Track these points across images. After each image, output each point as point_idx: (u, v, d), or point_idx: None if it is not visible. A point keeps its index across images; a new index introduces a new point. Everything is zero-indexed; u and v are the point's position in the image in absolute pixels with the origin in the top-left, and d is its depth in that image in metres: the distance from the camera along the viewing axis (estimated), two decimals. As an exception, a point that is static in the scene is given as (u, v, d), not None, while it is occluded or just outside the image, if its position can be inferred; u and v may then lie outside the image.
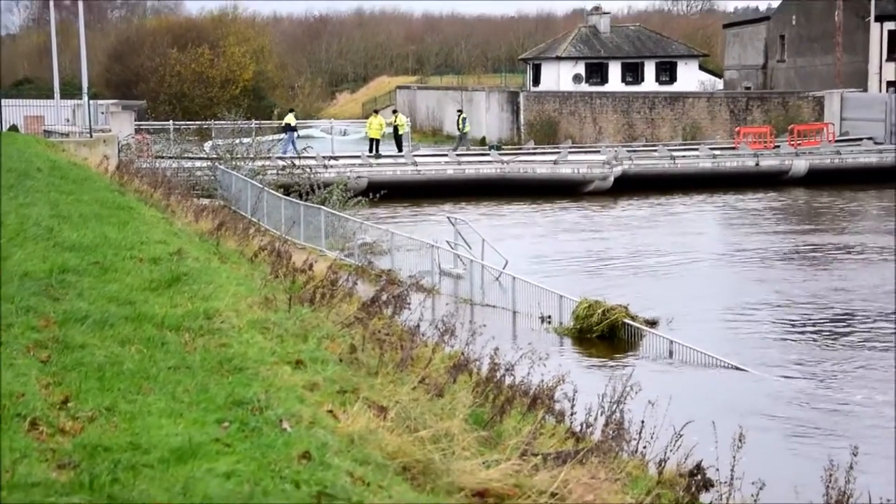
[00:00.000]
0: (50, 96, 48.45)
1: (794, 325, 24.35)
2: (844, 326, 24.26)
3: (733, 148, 54.65)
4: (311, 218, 32.04)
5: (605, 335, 22.39)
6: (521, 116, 72.29)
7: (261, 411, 6.57)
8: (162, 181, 24.49)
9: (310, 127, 71.12)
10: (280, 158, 44.81)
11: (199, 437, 6.00)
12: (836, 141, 56.14)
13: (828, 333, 23.65)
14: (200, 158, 44.17)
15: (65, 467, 5.49)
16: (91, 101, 43.47)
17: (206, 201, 27.77)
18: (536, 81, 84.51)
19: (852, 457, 9.35)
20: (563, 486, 6.71)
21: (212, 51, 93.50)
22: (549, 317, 23.75)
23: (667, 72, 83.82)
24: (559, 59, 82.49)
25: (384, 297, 11.22)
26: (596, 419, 9.55)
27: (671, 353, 21.34)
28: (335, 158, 49.52)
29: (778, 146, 54.44)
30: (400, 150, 54.25)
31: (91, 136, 36.43)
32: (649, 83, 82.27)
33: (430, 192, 46.56)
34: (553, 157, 51.24)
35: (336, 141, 59.78)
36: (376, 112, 59.48)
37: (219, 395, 6.86)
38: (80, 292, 9.29)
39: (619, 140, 63.87)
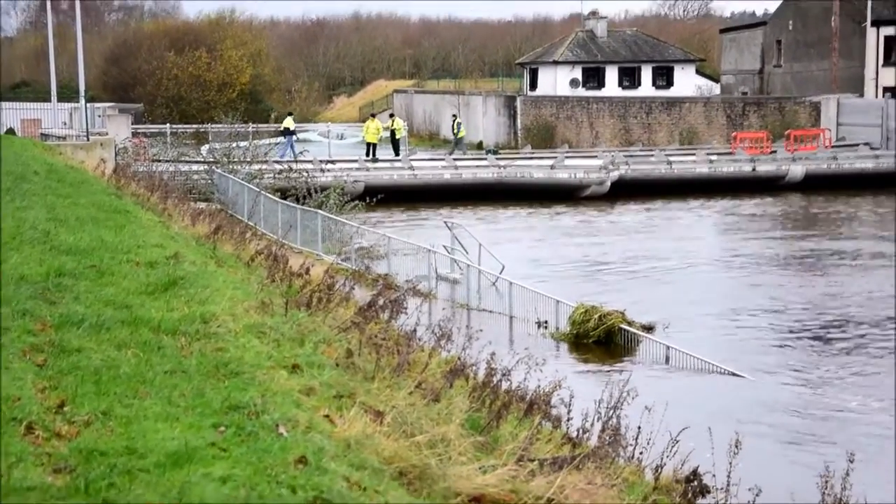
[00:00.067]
0: (47, 99, 48.49)
1: (790, 331, 24.35)
2: (840, 332, 24.27)
3: (730, 153, 54.70)
4: (308, 222, 32.03)
5: (602, 340, 22.39)
6: (518, 121, 72.35)
7: (257, 416, 6.56)
8: (159, 185, 24.48)
9: (307, 131, 71.14)
10: (277, 162, 44.81)
11: (196, 442, 5.99)
12: (833, 146, 56.19)
13: (824, 339, 23.66)
14: (197, 162, 44.14)
15: (61, 471, 5.49)
16: (88, 105, 43.51)
17: (202, 205, 27.76)
18: (533, 86, 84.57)
19: (848, 463, 9.36)
20: (560, 491, 6.71)
21: (209, 54, 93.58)
22: (546, 322, 23.76)
23: (663, 76, 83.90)
24: (556, 63, 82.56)
25: (381, 302, 11.21)
26: (592, 425, 9.55)
27: (668, 359, 21.35)
28: (332, 162, 49.51)
29: (774, 151, 54.48)
30: (397, 154, 54.26)
31: (88, 140, 36.44)
32: (646, 88, 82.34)
33: (426, 197, 46.57)
34: (550, 162, 51.24)
35: (333, 145, 59.82)
36: (373, 116, 59.48)
37: (215, 399, 6.86)
38: (77, 296, 9.28)
39: (615, 145, 63.93)
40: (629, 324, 22.70)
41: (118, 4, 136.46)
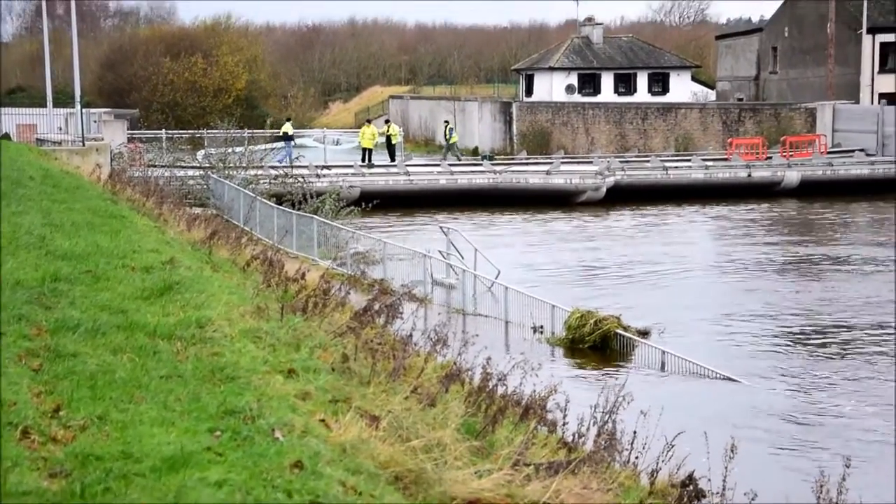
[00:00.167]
0: (42, 105, 48.38)
1: (785, 336, 24.37)
2: (835, 337, 24.30)
3: (725, 159, 54.77)
4: (304, 227, 32.03)
5: (598, 345, 22.39)
6: (514, 127, 72.35)
7: (253, 420, 6.56)
8: (154, 190, 24.48)
9: (303, 136, 71.13)
10: (273, 167, 44.79)
11: (191, 446, 5.99)
12: (829, 152, 56.28)
13: (818, 344, 23.68)
14: (193, 167, 44.13)
15: (56, 476, 5.49)
16: (84, 110, 43.43)
17: (198, 210, 27.77)
18: (529, 92, 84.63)
19: (844, 468, 9.36)
20: (555, 496, 6.72)
21: (205, 60, 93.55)
22: (542, 327, 23.75)
23: (659, 83, 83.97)
24: (552, 69, 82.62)
25: (376, 307, 11.21)
26: (588, 429, 9.54)
27: (663, 364, 21.36)
28: (328, 168, 49.54)
29: (770, 157, 54.56)
30: (392, 159, 54.26)
31: (83, 145, 36.40)
32: (642, 94, 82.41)
33: (422, 202, 46.59)
34: (545, 168, 51.29)
35: (328, 150, 59.80)
36: (369, 122, 59.54)
37: (211, 404, 6.86)
38: (73, 301, 9.28)
39: (611, 151, 63.96)
40: (625, 329, 22.71)
41: (114, 10, 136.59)
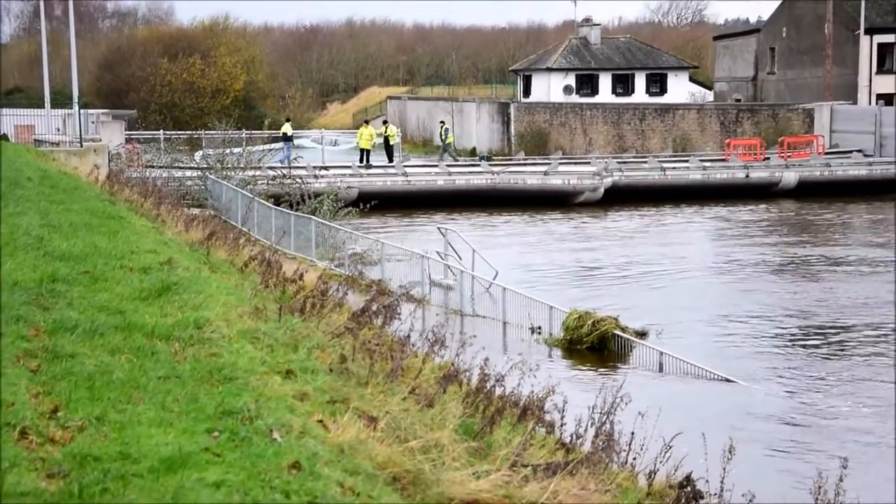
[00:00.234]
0: (40, 105, 48.35)
1: (782, 337, 24.38)
2: (832, 338, 24.31)
3: (723, 160, 54.78)
4: (302, 228, 32.03)
5: (595, 346, 22.39)
6: (512, 127, 72.38)
7: (251, 421, 6.56)
8: (152, 191, 24.46)
9: (301, 137, 71.16)
10: (271, 168, 44.78)
11: (189, 447, 5.99)
12: (826, 153, 56.30)
13: (816, 345, 23.69)
14: (191, 168, 44.13)
15: (54, 476, 5.49)
16: (81, 111, 43.41)
17: (196, 211, 27.75)
18: (527, 92, 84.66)
19: (842, 469, 9.37)
20: (553, 497, 6.72)
21: (203, 61, 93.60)
22: (539, 328, 23.75)
23: (657, 83, 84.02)
24: (550, 70, 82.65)
25: (374, 308, 11.21)
26: (586, 430, 9.54)
27: (661, 365, 21.35)
28: (326, 169, 49.53)
29: (768, 158, 54.56)
30: (390, 160, 54.26)
31: (81, 146, 36.40)
32: (640, 95, 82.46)
33: (420, 203, 46.59)
34: (543, 169, 51.30)
35: (326, 151, 59.78)
36: (367, 122, 59.51)
37: (209, 404, 6.86)
38: (70, 301, 9.28)
39: (609, 151, 63.99)
40: (622, 330, 22.71)
41: (112, 11, 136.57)
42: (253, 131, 57.31)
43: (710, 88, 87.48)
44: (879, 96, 65.77)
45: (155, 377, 7.39)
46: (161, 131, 57.03)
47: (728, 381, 20.29)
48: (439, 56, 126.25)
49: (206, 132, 52.17)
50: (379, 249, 29.69)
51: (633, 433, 9.84)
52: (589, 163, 53.64)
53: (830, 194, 50.23)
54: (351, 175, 48.46)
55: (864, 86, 66.63)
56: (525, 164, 54.92)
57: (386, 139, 55.54)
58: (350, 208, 35.59)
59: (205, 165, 43.44)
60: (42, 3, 55.60)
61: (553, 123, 70.93)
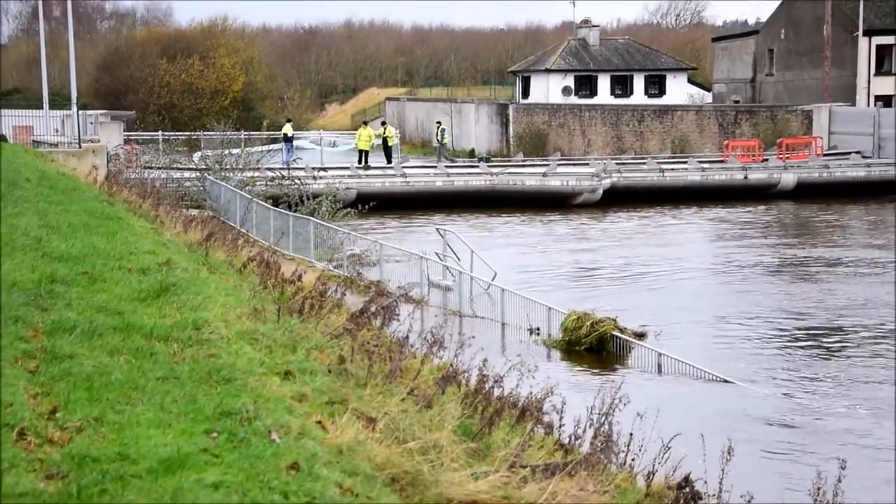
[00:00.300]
0: (39, 106, 48.31)
1: (780, 338, 24.39)
2: (831, 340, 24.32)
3: (722, 161, 54.81)
4: (300, 229, 32.02)
5: (594, 347, 22.39)
6: (511, 128, 72.37)
7: (249, 422, 6.56)
8: (151, 192, 24.45)
9: (299, 138, 71.19)
10: (269, 169, 44.79)
11: (188, 448, 5.99)
12: (825, 155, 56.34)
13: (814, 346, 23.70)
14: (189, 169, 44.15)
15: (53, 478, 5.48)
16: (80, 112, 43.40)
17: (194, 212, 27.75)
18: (526, 94, 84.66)
19: (840, 470, 9.37)
20: (552, 498, 6.72)
21: (201, 62, 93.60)
22: (538, 329, 23.75)
23: (656, 85, 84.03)
24: (548, 71, 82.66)
25: (373, 309, 11.20)
26: (584, 431, 9.54)
27: (659, 366, 21.36)
28: (324, 170, 49.54)
29: (766, 160, 54.59)
30: (389, 161, 54.29)
31: (80, 147, 36.39)
32: (638, 96, 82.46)
33: (419, 204, 46.60)
34: (542, 170, 51.32)
35: (325, 152, 59.78)
36: (365, 124, 59.54)
37: (207, 405, 6.86)
38: (69, 302, 9.27)
39: (608, 153, 64.00)
40: (621, 331, 22.70)
41: (110, 11, 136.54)
42: (251, 132, 57.31)
43: (708, 90, 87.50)
44: (878, 98, 65.80)
45: (153, 378, 7.39)
46: (160, 132, 57.05)
47: (726, 382, 20.29)
48: (438, 57, 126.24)
49: (205, 133, 52.21)
50: (377, 250, 29.69)
51: (631, 434, 9.83)
52: (588, 164, 53.67)
53: (829, 196, 50.26)
54: (349, 176, 48.48)
55: (863, 87, 66.66)
56: (524, 166, 54.95)
57: (384, 140, 55.56)
58: (349, 209, 35.58)
59: (203, 166, 43.46)
60: (41, 4, 55.58)
61: (552, 125, 70.93)
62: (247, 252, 18.14)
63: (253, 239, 28.70)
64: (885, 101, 64.58)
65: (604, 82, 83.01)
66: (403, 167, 51.77)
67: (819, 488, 9.21)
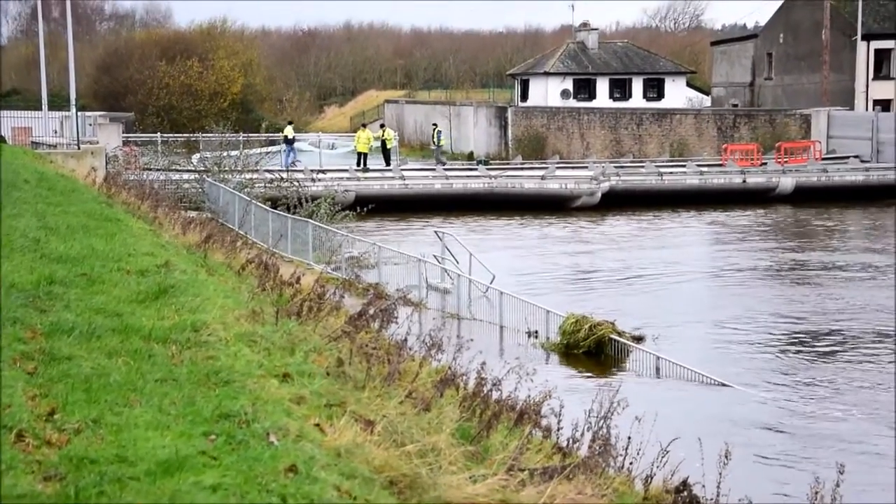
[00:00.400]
0: (38, 108, 48.36)
1: (779, 342, 24.39)
2: (829, 343, 24.33)
3: (721, 165, 54.83)
4: (299, 231, 32.03)
5: (592, 351, 22.39)
6: (509, 131, 72.40)
7: (248, 424, 6.55)
8: (149, 193, 24.45)
9: (298, 140, 71.21)
10: (268, 171, 44.79)
11: (186, 450, 5.99)
12: (823, 159, 56.36)
13: (812, 350, 23.71)
14: (188, 171, 44.15)
15: (51, 479, 5.48)
16: (79, 113, 43.44)
17: (193, 214, 27.72)
18: (524, 97, 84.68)
19: (838, 474, 9.37)
20: (550, 501, 6.72)
21: (200, 63, 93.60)
22: (536, 332, 23.76)
23: (654, 88, 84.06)
24: (547, 74, 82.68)
25: (371, 311, 11.20)
26: (583, 435, 9.54)
27: (658, 369, 21.37)
28: (323, 172, 49.56)
29: (765, 163, 54.62)
30: (388, 164, 54.30)
31: (79, 148, 36.40)
32: (637, 99, 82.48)
33: (417, 207, 46.60)
34: (541, 173, 51.34)
35: (324, 154, 59.80)
36: (364, 126, 59.52)
37: (206, 407, 6.85)
38: (67, 304, 9.27)
39: (606, 156, 64.01)
40: (619, 334, 22.71)
41: (110, 13, 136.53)
42: (250, 134, 57.32)
43: (707, 94, 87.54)
44: (876, 102, 65.84)
45: (152, 380, 7.38)
46: (158, 134, 57.12)
47: (724, 385, 20.30)
48: (437, 60, 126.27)
49: (204, 135, 52.21)
50: (376, 253, 29.70)
51: (629, 438, 9.83)
52: (586, 167, 53.68)
53: (827, 200, 50.29)
54: (348, 178, 48.49)
55: (861, 91, 66.71)
56: (522, 169, 54.96)
57: (383, 143, 55.58)
58: (347, 212, 35.58)
59: (202, 168, 43.44)
60: (39, 5, 55.63)
61: (550, 128, 70.95)
62: (245, 254, 18.13)
63: (251, 241, 28.71)
64: (883, 105, 64.63)
65: (602, 86, 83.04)
66: (402, 170, 51.78)
67: (817, 492, 9.21)
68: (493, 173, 51.38)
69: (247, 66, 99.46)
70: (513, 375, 10.13)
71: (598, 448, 8.83)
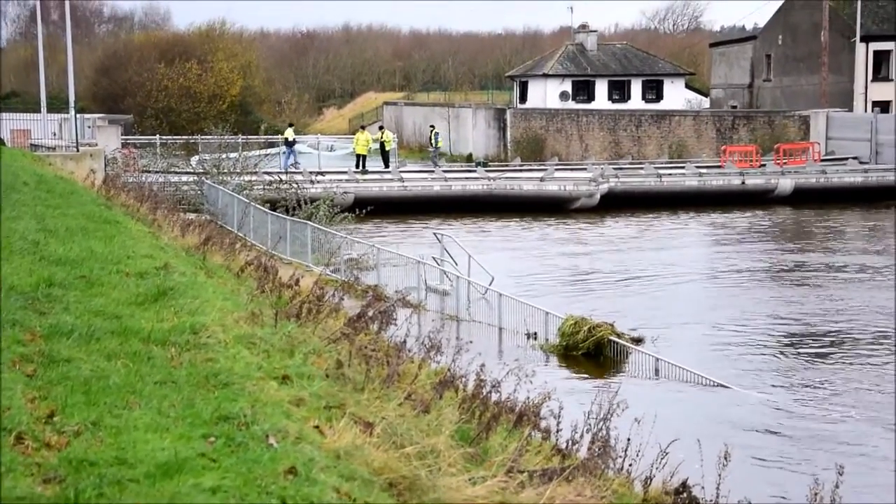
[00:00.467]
0: (36, 110, 48.37)
1: (778, 343, 24.39)
2: (828, 345, 24.33)
3: (719, 166, 54.84)
4: (298, 233, 32.03)
5: (592, 352, 22.38)
6: (508, 133, 72.44)
7: (247, 426, 6.55)
8: (148, 195, 24.46)
9: (297, 142, 71.23)
10: (267, 173, 44.81)
11: (185, 452, 5.98)
12: (822, 160, 56.37)
13: (811, 351, 23.70)
14: (187, 173, 44.15)
15: (50, 482, 5.48)
16: (78, 115, 43.44)
17: (192, 216, 27.73)
18: (523, 98, 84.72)
19: (837, 476, 9.37)
20: (549, 503, 6.72)
21: (199, 66, 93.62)
22: (536, 334, 23.76)
23: (653, 90, 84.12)
24: (546, 76, 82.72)
25: (370, 313, 11.20)
26: (582, 436, 9.54)
27: (657, 371, 21.37)
28: (322, 174, 49.57)
29: (764, 165, 54.64)
30: (387, 166, 54.33)
31: (78, 150, 36.41)
32: (636, 101, 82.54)
33: (416, 209, 46.61)
34: (539, 174, 51.34)
35: (323, 156, 59.84)
36: (363, 128, 59.56)
37: (205, 410, 6.85)
38: (67, 306, 9.26)
39: (605, 157, 64.05)
40: (618, 336, 22.71)
41: (109, 15, 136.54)
42: (249, 136, 57.34)
43: (706, 95, 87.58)
44: (875, 104, 65.87)
45: (151, 382, 7.37)
46: (157, 136, 57.12)
47: (723, 387, 20.30)
48: (436, 62, 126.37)
49: (203, 137, 52.22)
50: (375, 255, 29.69)
51: (629, 439, 9.84)
52: (585, 169, 53.69)
53: (826, 201, 50.31)
54: (347, 180, 48.49)
55: (860, 93, 66.73)
56: (521, 170, 54.98)
57: (382, 145, 55.61)
58: (346, 214, 35.59)
59: (201, 170, 43.45)
60: (39, 8, 55.64)
61: (549, 129, 70.97)
62: (244, 256, 18.14)
63: (250, 243, 28.72)
64: (882, 106, 64.65)
65: (601, 87, 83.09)
66: (401, 172, 51.79)
67: (816, 494, 9.21)
68: (491, 175, 51.39)
69: (245, 69, 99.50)
70: (512, 377, 10.13)
71: (597, 450, 8.83)
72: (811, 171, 53.68)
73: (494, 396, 9.79)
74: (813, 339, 24.82)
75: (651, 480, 9.49)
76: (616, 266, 35.20)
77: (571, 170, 54.58)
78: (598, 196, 49.16)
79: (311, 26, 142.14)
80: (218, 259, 16.24)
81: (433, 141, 60.21)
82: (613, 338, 22.54)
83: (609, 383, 19.54)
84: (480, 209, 47.56)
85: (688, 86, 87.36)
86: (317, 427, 7.00)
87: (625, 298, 29.48)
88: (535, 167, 56.24)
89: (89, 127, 51.38)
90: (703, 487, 9.30)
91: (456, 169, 56.43)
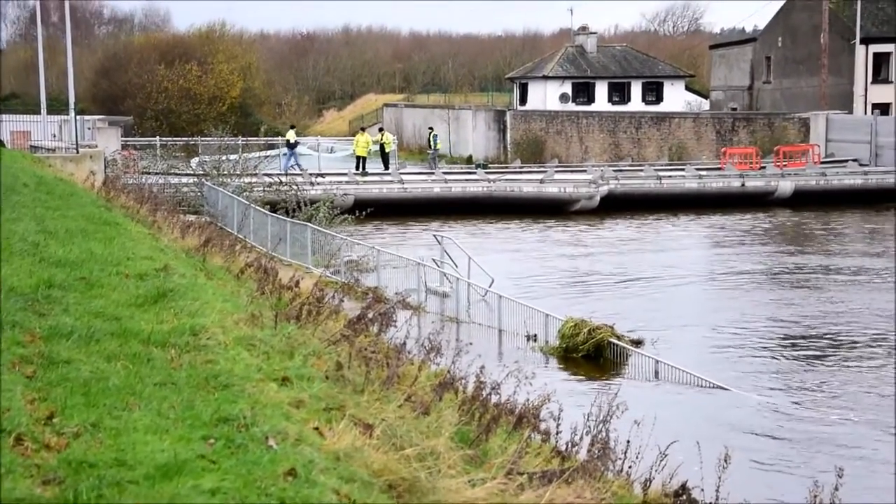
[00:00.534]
0: (36, 112, 48.40)
1: (777, 345, 24.39)
2: (826, 347, 24.31)
3: (719, 168, 54.84)
4: (298, 235, 32.03)
5: (591, 355, 22.38)
6: (508, 135, 72.45)
7: (246, 428, 6.55)
8: (148, 197, 24.46)
9: (298, 144, 71.27)
10: (267, 175, 44.80)
11: (185, 454, 5.98)
12: (822, 162, 56.37)
13: (810, 354, 23.70)
14: (187, 175, 44.16)
15: (50, 483, 5.47)
16: (78, 117, 43.45)
17: (192, 218, 27.73)
18: (523, 100, 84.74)
19: (837, 478, 9.37)
20: (549, 504, 6.71)
21: (199, 67, 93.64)
22: (535, 336, 23.76)
23: (653, 92, 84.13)
24: (546, 78, 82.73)
25: (370, 315, 11.19)
26: (581, 438, 9.54)
27: (656, 373, 21.36)
28: (322, 176, 49.56)
29: (764, 167, 54.64)
30: (387, 167, 54.33)
31: (77, 152, 36.39)
32: (636, 103, 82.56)
33: (416, 210, 46.61)
34: (539, 176, 51.34)
35: (323, 158, 59.82)
36: (363, 130, 59.57)
37: (205, 411, 6.85)
38: (66, 308, 9.26)
39: (605, 159, 64.05)
40: (618, 338, 22.70)
41: (108, 17, 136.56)
42: (249, 138, 57.35)
43: (706, 97, 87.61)
44: (875, 106, 65.89)
45: (151, 384, 7.37)
46: (157, 138, 57.14)
47: (723, 389, 20.29)
48: (435, 64, 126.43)
49: (203, 139, 52.24)
50: (375, 257, 29.69)
51: (628, 441, 9.84)
52: (585, 171, 53.70)
53: (826, 203, 50.32)
54: (347, 182, 48.50)
55: (860, 95, 66.75)
56: (521, 172, 54.97)
57: (382, 147, 55.61)
58: (346, 215, 35.58)
59: (201, 172, 43.44)
60: (38, 9, 55.66)
61: (549, 131, 70.98)
62: (244, 258, 18.15)
63: (250, 245, 28.72)
64: (882, 108, 64.68)
65: (601, 89, 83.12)
66: (401, 173, 51.79)
67: (816, 496, 9.21)
68: (491, 177, 51.39)
69: (246, 70, 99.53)
70: (512, 379, 10.13)
71: (596, 452, 8.83)
72: (811, 173, 53.68)
73: (494, 398, 9.79)
74: (812, 342, 24.81)
75: (650, 482, 9.49)
76: (616, 268, 35.19)
77: (571, 172, 54.60)
78: (597, 198, 49.16)
79: (311, 28, 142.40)
80: (218, 261, 16.24)
81: (432, 143, 60.23)
82: (613, 340, 22.53)
83: (609, 385, 19.54)
84: (480, 211, 47.56)
85: (688, 88, 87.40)
86: (316, 429, 7.00)
87: (624, 300, 29.48)
88: (535, 169, 56.24)
89: (89, 128, 51.41)
90: (702, 489, 9.30)
91: (456, 171, 56.41)
